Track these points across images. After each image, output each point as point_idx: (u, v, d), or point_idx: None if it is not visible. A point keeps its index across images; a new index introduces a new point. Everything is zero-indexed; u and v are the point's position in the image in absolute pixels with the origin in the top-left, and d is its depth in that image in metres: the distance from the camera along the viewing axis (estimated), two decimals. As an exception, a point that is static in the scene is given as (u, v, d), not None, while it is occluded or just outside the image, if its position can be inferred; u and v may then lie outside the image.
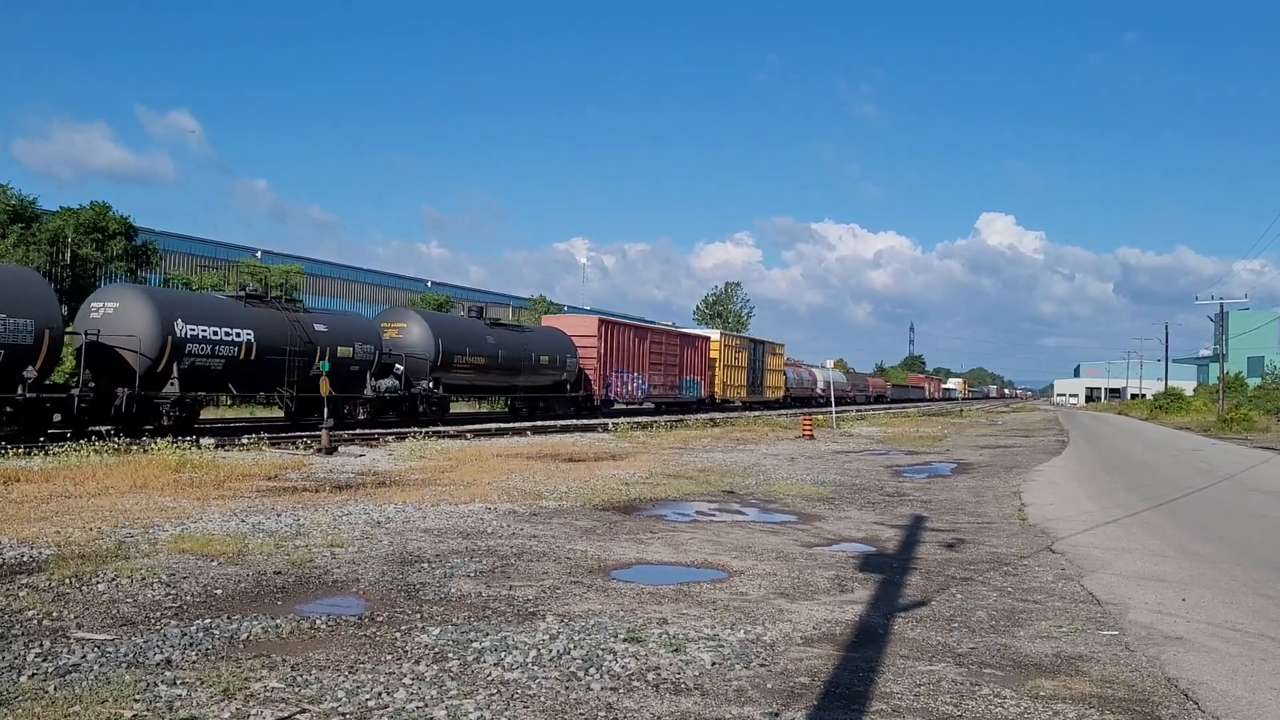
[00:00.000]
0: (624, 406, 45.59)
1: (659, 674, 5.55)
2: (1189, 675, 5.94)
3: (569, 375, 39.48)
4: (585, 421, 36.40)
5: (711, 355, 54.38)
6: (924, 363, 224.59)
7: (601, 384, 41.61)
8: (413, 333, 31.24)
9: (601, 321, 43.49)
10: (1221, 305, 64.13)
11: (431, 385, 31.01)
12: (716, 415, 47.98)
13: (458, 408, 39.85)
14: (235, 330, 24.11)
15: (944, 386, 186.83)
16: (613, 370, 42.68)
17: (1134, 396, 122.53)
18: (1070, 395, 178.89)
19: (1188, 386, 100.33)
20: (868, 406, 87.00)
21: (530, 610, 6.97)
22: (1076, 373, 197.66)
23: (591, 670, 5.56)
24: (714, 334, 56.25)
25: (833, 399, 50.43)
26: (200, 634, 6.04)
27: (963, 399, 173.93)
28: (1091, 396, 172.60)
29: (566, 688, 5.26)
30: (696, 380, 52.07)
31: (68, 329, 22.07)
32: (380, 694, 5.01)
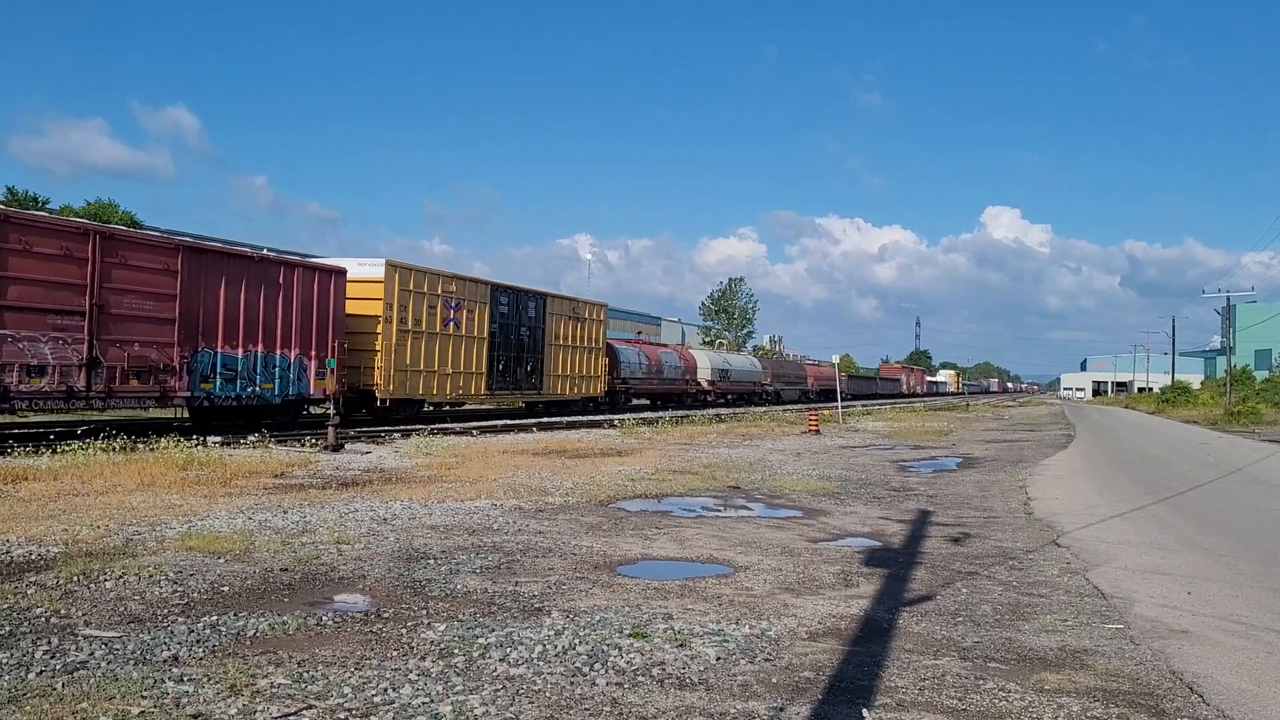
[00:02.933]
0: None
1: (664, 669, 5.57)
2: (1194, 668, 5.94)
3: None
4: (591, 417, 36.43)
5: (364, 309, 26.70)
6: (930, 357, 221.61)
7: None
8: None
9: None
10: (1228, 299, 63.94)
11: None
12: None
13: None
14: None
15: (931, 380, 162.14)
16: None
17: (1141, 390, 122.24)
18: (1077, 389, 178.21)
19: (1195, 380, 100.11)
20: (798, 406, 61.25)
21: (536, 606, 6.99)
22: (1083, 366, 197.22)
23: (597, 665, 5.58)
24: (368, 267, 27.24)
25: (839, 393, 49.77)
26: (207, 631, 6.06)
27: (956, 393, 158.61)
28: (1098, 390, 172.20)
29: (572, 683, 5.27)
30: (288, 361, 23.66)
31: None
32: (386, 690, 5.03)
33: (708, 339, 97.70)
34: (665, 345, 58.16)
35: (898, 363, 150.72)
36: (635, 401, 49.63)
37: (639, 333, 74.88)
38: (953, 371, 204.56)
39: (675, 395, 52.71)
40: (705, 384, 56.20)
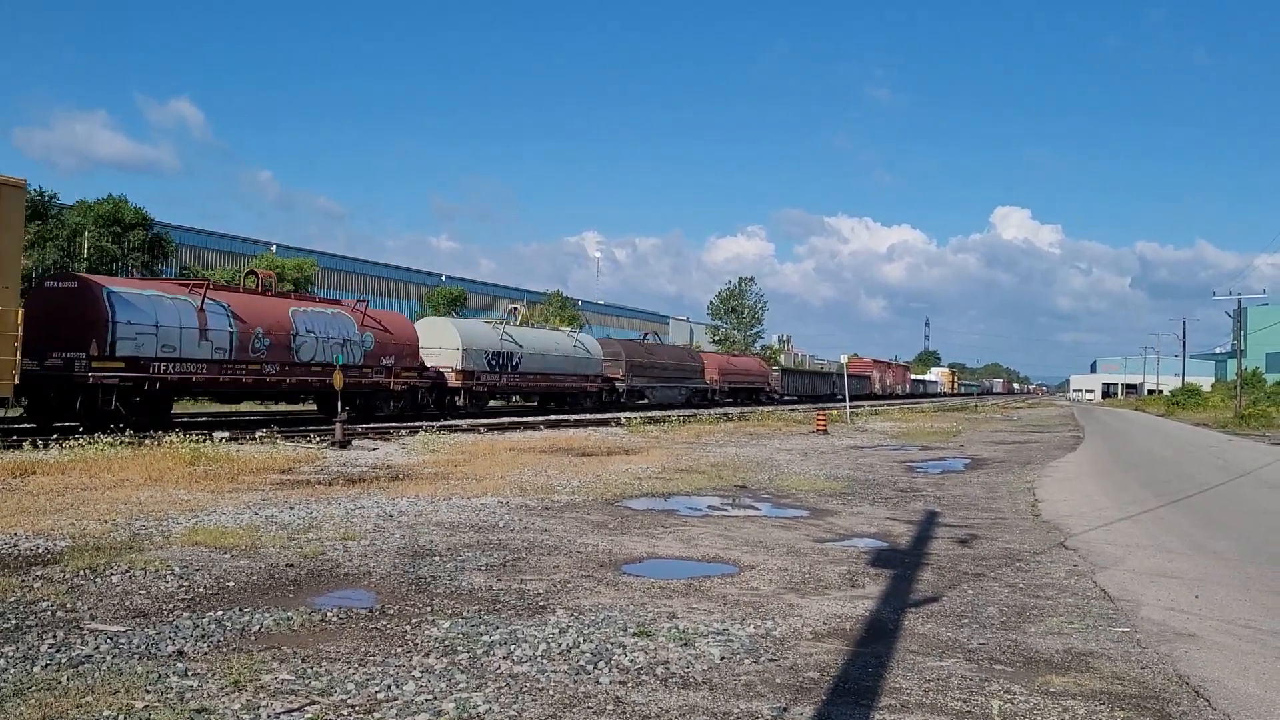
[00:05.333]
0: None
1: (668, 668, 5.56)
2: (1200, 672, 5.91)
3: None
4: (599, 416, 36.49)
5: None
6: (938, 357, 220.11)
7: None
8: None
9: None
10: (1240, 301, 63.59)
11: None
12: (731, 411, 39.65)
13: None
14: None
15: (918, 378, 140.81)
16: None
17: (1151, 392, 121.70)
18: (1086, 391, 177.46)
19: (1205, 382, 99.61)
20: (705, 411, 46.08)
21: (540, 604, 6.99)
22: (1093, 368, 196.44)
23: (600, 664, 5.57)
24: None
25: (847, 394, 49.60)
26: (212, 626, 6.07)
27: (951, 394, 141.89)
28: (1108, 392, 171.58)
29: (575, 681, 5.27)
30: None
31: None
32: (390, 686, 5.03)
33: (716, 338, 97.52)
34: (331, 304, 30.03)
35: (872, 359, 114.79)
36: (196, 408, 29.92)
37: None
38: (946, 369, 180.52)
39: (363, 392, 28.73)
40: (451, 374, 33.85)
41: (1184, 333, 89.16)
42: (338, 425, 20.27)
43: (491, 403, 39.16)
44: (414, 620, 6.41)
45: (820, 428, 32.58)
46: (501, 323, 39.47)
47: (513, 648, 5.80)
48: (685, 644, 6.04)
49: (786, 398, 68.84)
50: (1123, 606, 7.65)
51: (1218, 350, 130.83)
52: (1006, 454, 25.91)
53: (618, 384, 45.82)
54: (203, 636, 5.85)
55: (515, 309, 44.31)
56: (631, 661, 5.64)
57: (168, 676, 5.05)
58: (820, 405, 56.71)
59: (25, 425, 21.01)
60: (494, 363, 36.07)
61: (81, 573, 7.26)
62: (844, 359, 50.90)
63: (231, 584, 7.27)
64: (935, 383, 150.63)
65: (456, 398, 34.64)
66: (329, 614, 6.48)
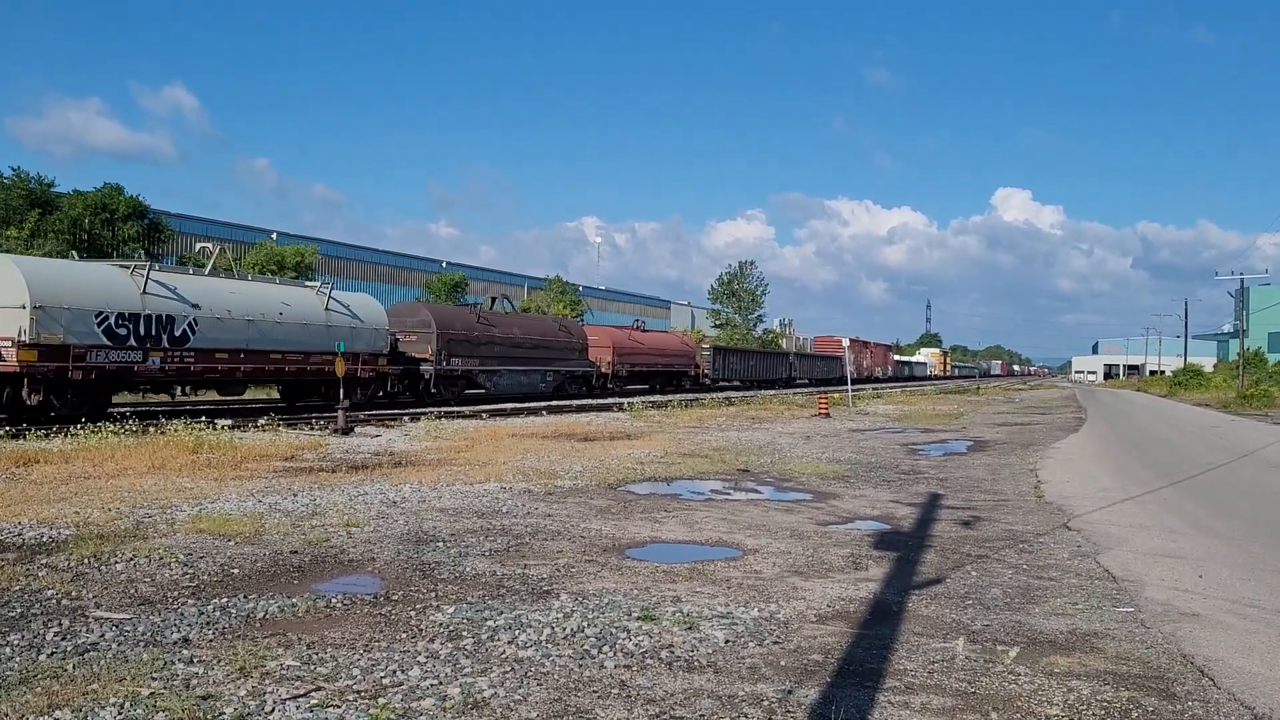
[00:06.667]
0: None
1: (672, 652, 5.56)
2: (1205, 652, 5.91)
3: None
4: (600, 401, 36.53)
5: None
6: (940, 340, 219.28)
7: None
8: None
9: None
10: (1242, 281, 63.45)
11: None
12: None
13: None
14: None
15: (904, 359, 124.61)
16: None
17: (1153, 373, 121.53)
18: (1088, 372, 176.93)
19: (1207, 363, 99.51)
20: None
21: (544, 589, 6.99)
22: (1095, 349, 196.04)
23: (605, 648, 5.58)
24: None
25: (848, 376, 49.58)
26: (217, 613, 6.08)
27: (942, 377, 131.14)
28: (1110, 373, 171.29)
29: (580, 665, 5.27)
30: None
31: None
32: (395, 672, 5.03)
33: (718, 323, 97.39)
34: None
35: (843, 335, 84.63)
36: None
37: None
38: (937, 350, 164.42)
39: None
40: (12, 351, 18.94)
41: (1186, 313, 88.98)
42: (340, 412, 20.28)
43: (154, 395, 25.30)
44: (418, 606, 6.42)
45: (822, 411, 32.70)
46: (145, 268, 22.15)
47: (517, 632, 5.81)
48: (689, 628, 6.04)
49: (722, 383, 56.53)
50: (1126, 587, 7.65)
51: (1220, 330, 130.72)
52: (1009, 436, 25.91)
53: (424, 367, 31.55)
54: (208, 624, 5.86)
55: (205, 248, 28.28)
56: (636, 645, 5.65)
57: (173, 663, 5.06)
58: (772, 393, 49.55)
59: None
60: (125, 331, 21.26)
61: (86, 561, 7.27)
62: (845, 341, 50.88)
63: (236, 571, 7.28)
64: (924, 364, 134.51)
65: (24, 391, 19.49)
66: (333, 600, 6.49)
